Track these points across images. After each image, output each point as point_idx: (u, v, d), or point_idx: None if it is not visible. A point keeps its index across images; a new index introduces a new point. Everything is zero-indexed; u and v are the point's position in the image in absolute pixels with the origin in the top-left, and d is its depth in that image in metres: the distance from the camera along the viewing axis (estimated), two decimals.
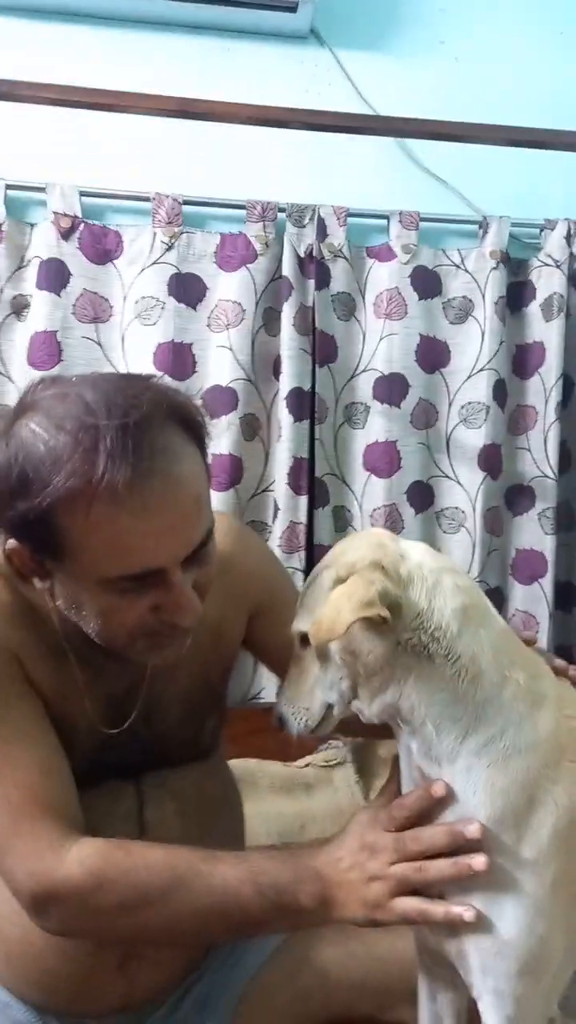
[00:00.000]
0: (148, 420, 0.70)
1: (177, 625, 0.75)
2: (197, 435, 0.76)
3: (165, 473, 0.70)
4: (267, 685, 1.76)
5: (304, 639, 0.74)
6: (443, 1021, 0.80)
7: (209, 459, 0.79)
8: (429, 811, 0.71)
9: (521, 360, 1.86)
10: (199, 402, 0.79)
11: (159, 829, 0.84)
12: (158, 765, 0.87)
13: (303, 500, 1.76)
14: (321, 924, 0.78)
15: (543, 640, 1.89)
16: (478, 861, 0.67)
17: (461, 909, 0.68)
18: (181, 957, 0.89)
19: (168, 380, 1.64)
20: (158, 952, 0.85)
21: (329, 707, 0.73)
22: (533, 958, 0.69)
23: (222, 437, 1.71)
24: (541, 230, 1.82)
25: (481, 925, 0.69)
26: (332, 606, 0.68)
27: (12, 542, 0.74)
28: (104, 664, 0.82)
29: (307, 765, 1.46)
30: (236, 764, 1.40)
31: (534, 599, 1.88)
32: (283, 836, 1.24)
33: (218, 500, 1.70)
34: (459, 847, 0.68)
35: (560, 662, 0.80)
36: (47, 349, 1.62)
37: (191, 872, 0.73)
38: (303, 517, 1.76)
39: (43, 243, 1.62)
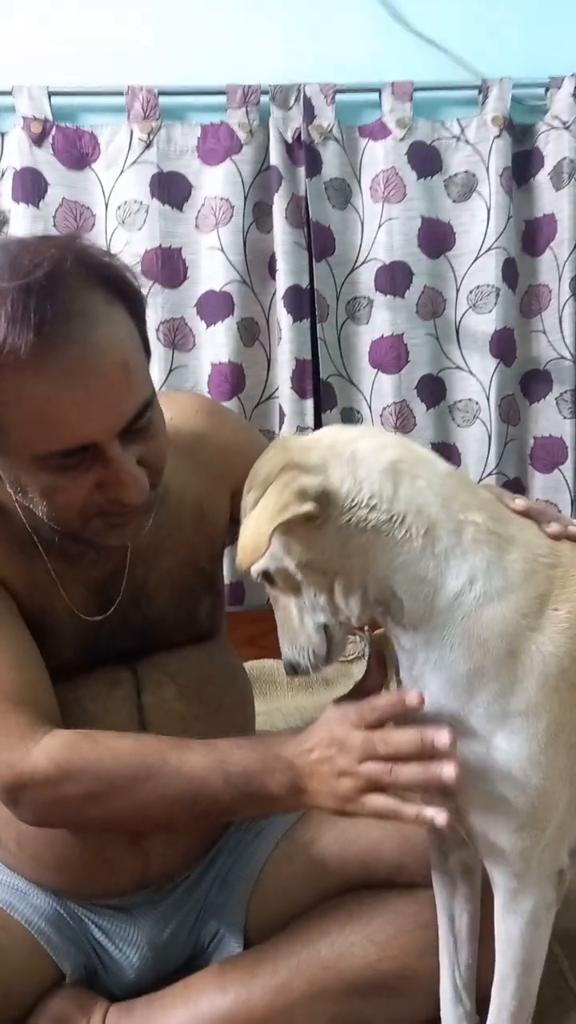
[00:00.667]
0: (57, 280, 0.65)
1: (127, 503, 0.72)
2: (125, 296, 0.70)
3: (80, 338, 0.65)
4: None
5: (266, 579, 0.70)
6: (456, 879, 0.80)
7: (148, 325, 0.74)
8: (401, 717, 0.69)
9: (531, 236, 1.74)
10: (130, 263, 0.74)
11: (159, 712, 0.84)
12: (154, 650, 0.87)
13: (309, 404, 1.70)
14: (293, 810, 0.78)
15: None
16: (448, 771, 0.64)
17: (433, 811, 0.66)
18: (196, 833, 0.90)
19: (155, 287, 1.60)
20: (165, 835, 0.86)
21: (325, 628, 0.70)
22: (532, 810, 0.67)
23: (220, 345, 1.65)
24: (546, 90, 1.67)
25: (475, 783, 0.67)
26: (251, 526, 0.64)
27: None
28: (82, 552, 0.81)
29: None
30: (254, 665, 1.41)
31: (555, 487, 1.82)
32: (303, 730, 1.25)
33: None
34: (430, 754, 0.66)
35: (520, 501, 0.73)
36: None
37: (159, 761, 0.73)
38: (310, 421, 1.71)
39: (15, 151, 1.54)
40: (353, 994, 0.79)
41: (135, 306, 0.72)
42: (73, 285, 0.66)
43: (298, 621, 0.70)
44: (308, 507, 0.63)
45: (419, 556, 0.66)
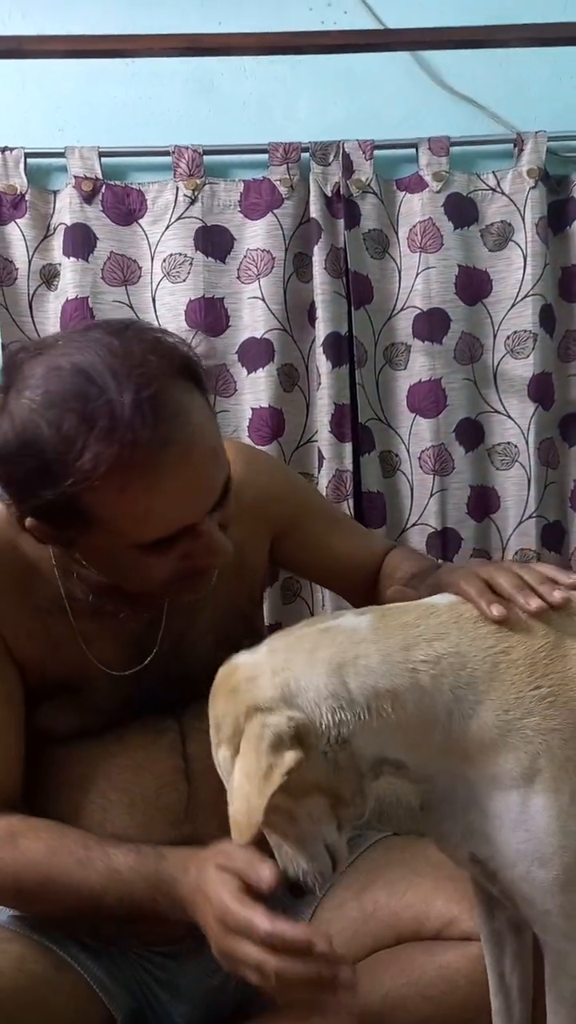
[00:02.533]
0: (157, 384, 0.68)
1: (208, 567, 0.76)
2: (199, 382, 0.74)
3: (182, 435, 0.69)
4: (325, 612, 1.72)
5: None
6: (505, 937, 0.75)
7: (228, 412, 0.79)
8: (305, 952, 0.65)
9: (567, 283, 1.72)
10: (191, 342, 0.77)
11: (203, 760, 0.81)
12: (197, 698, 0.84)
13: (348, 447, 1.68)
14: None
15: None
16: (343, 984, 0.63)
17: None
18: None
19: (199, 336, 1.62)
20: None
21: (329, 848, 0.66)
22: (572, 867, 0.63)
23: (261, 391, 1.66)
24: None
25: (509, 846, 0.64)
26: (238, 798, 0.62)
27: (31, 520, 0.73)
28: (117, 609, 0.81)
29: None
30: None
31: None
32: None
33: None
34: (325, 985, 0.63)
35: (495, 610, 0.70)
36: (80, 316, 1.59)
37: (62, 876, 0.75)
38: (349, 465, 1.69)
39: (67, 209, 1.57)
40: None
41: (204, 385, 0.76)
42: (170, 387, 0.70)
43: (297, 849, 0.66)
44: (292, 759, 0.60)
45: (398, 724, 0.64)
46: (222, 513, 0.76)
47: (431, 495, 1.73)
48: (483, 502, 1.77)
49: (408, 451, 1.74)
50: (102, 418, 0.65)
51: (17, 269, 1.59)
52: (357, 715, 0.63)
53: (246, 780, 0.61)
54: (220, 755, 0.67)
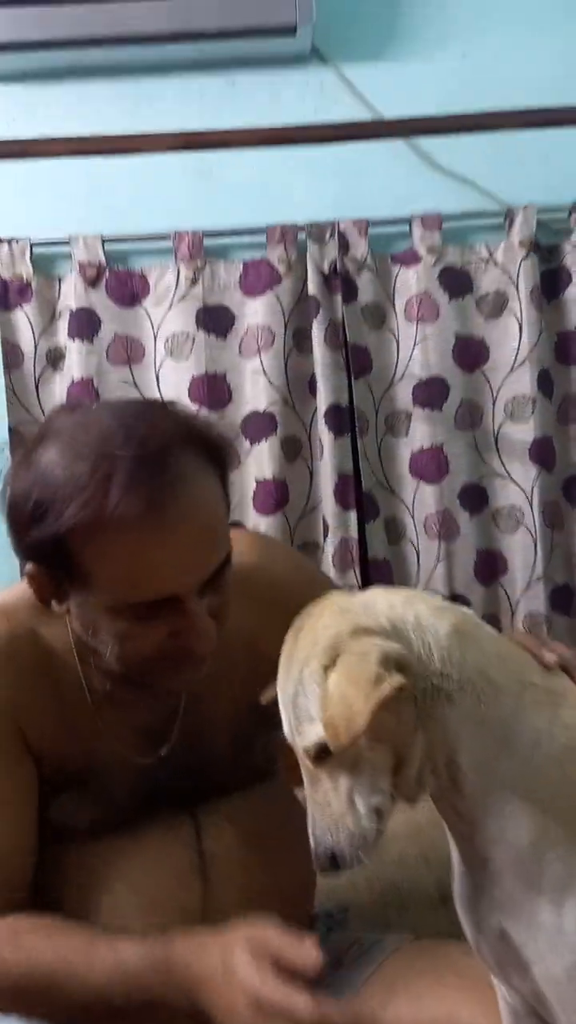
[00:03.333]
0: (165, 448, 0.68)
1: (194, 652, 0.73)
2: (218, 460, 0.74)
3: (179, 502, 0.68)
4: None
5: (318, 755, 0.62)
6: None
7: (231, 483, 0.77)
8: None
9: (564, 348, 1.73)
10: (226, 427, 0.77)
11: (220, 860, 0.80)
12: (211, 792, 0.83)
13: (352, 515, 1.68)
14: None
15: None
16: None
17: None
18: None
19: (202, 411, 1.63)
20: None
21: (378, 811, 0.61)
22: None
23: (264, 462, 1.66)
24: (570, 213, 1.69)
25: (551, 956, 0.60)
26: (338, 700, 0.59)
27: (30, 566, 0.74)
28: (136, 698, 0.79)
29: None
30: None
31: None
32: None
33: (266, 524, 1.65)
34: None
35: (550, 656, 0.69)
36: (85, 396, 1.61)
37: (66, 974, 0.71)
38: (354, 532, 1.68)
39: (71, 294, 1.61)
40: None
41: (225, 466, 0.75)
42: (176, 454, 0.70)
43: (346, 804, 0.62)
44: (400, 679, 0.58)
45: (484, 722, 0.62)
46: (215, 598, 0.73)
47: (438, 560, 1.72)
48: (490, 566, 1.75)
49: (413, 517, 1.73)
50: (103, 468, 0.67)
51: (23, 353, 1.62)
52: (460, 684, 0.61)
53: (350, 684, 0.58)
54: (306, 672, 0.63)
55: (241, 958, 0.65)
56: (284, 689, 0.67)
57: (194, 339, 1.63)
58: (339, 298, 1.66)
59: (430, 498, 1.71)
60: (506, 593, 1.76)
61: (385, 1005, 0.80)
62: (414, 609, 0.64)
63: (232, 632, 0.82)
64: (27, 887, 0.78)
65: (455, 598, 1.72)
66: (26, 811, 0.78)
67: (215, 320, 1.64)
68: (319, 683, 0.61)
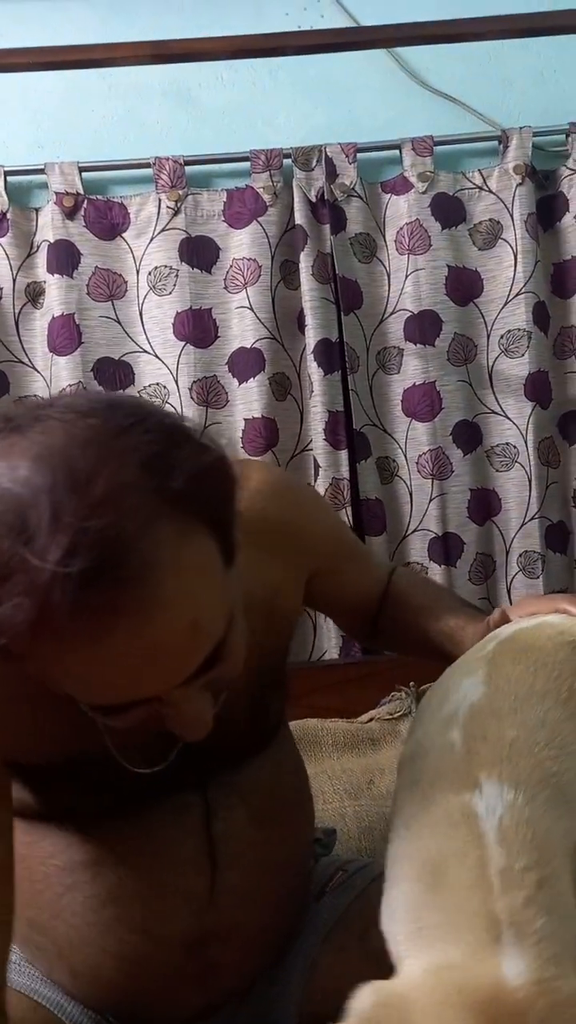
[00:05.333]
0: (106, 551, 0.46)
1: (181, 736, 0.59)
2: (206, 508, 0.52)
3: (137, 604, 0.48)
4: (328, 646, 1.64)
5: None
6: None
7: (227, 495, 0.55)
8: None
9: (560, 279, 1.65)
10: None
11: (230, 841, 0.71)
12: (225, 765, 0.73)
13: (344, 455, 1.61)
14: None
15: None
16: None
17: None
18: (263, 961, 0.77)
19: (187, 350, 1.53)
20: (240, 965, 0.74)
21: None
22: None
23: (253, 401, 1.59)
24: (567, 135, 1.60)
25: None
26: None
27: None
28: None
29: (371, 720, 1.34)
30: (298, 725, 1.29)
31: None
32: (351, 792, 1.12)
33: None
34: None
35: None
36: (66, 333, 1.53)
37: None
38: (345, 472, 1.62)
39: (49, 226, 1.52)
40: None
41: (220, 515, 0.54)
42: (131, 541, 0.47)
43: None
44: None
45: None
46: (215, 673, 0.56)
47: (431, 500, 1.66)
48: (484, 505, 1.69)
49: (405, 456, 1.66)
50: (20, 570, 0.46)
51: (1, 288, 1.54)
52: None
53: None
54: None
55: None
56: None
57: (178, 273, 1.55)
58: (327, 228, 1.56)
59: (423, 436, 1.64)
60: (500, 532, 1.70)
61: (363, 934, 0.75)
62: None
63: (250, 592, 0.68)
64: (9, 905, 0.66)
65: (448, 537, 1.67)
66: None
67: (199, 253, 1.55)
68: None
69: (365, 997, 0.46)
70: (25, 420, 0.50)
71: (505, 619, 0.67)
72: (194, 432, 0.53)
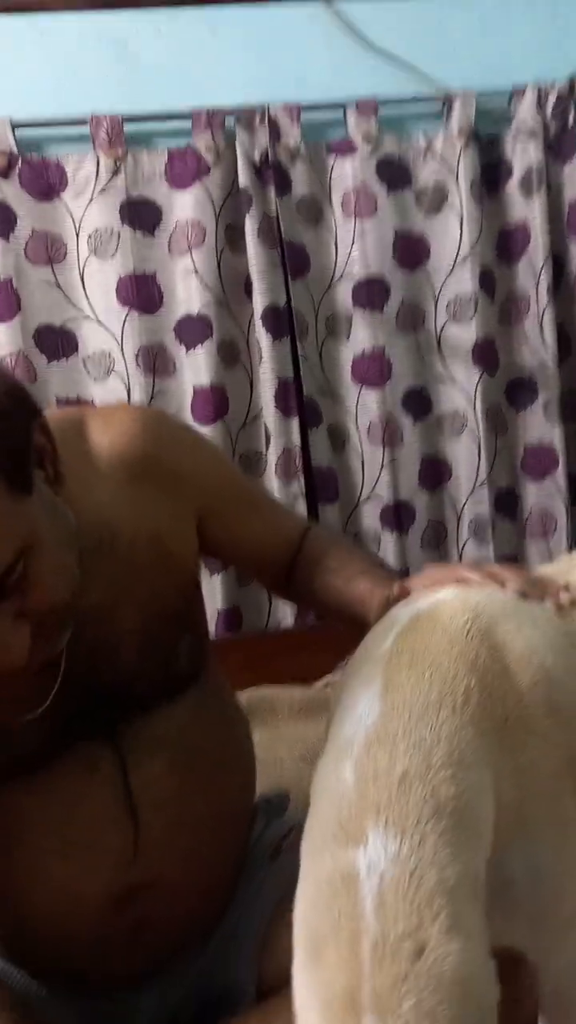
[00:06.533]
0: None
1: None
2: None
3: None
4: (284, 614, 1.61)
5: None
6: None
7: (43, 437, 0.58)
8: None
9: (505, 245, 1.64)
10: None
11: (149, 790, 0.67)
12: (132, 711, 0.69)
13: (295, 422, 1.58)
14: None
15: (561, 537, 1.71)
16: None
17: None
18: (199, 915, 0.73)
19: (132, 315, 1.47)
20: (172, 917, 0.70)
21: None
22: None
23: (201, 369, 1.53)
24: (510, 99, 1.58)
25: None
26: None
27: None
28: None
29: (327, 685, 1.31)
30: (252, 694, 1.26)
31: (548, 495, 1.70)
32: (307, 758, 1.09)
33: (206, 434, 1.53)
34: None
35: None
36: (3, 299, 1.45)
37: None
38: (297, 440, 1.58)
39: None
40: None
41: (12, 449, 0.54)
42: None
43: None
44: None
45: None
46: (24, 600, 0.56)
47: (382, 467, 1.63)
48: (435, 472, 1.68)
49: (356, 423, 1.64)
50: None
51: None
52: None
53: None
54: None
55: None
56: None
57: (119, 235, 1.48)
58: (272, 191, 1.52)
59: (373, 403, 1.61)
60: (451, 499, 1.69)
61: None
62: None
63: (131, 535, 0.69)
64: None
65: (400, 506, 1.65)
66: None
67: (141, 215, 1.49)
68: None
69: None
70: None
71: (404, 593, 0.64)
72: None
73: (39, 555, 0.56)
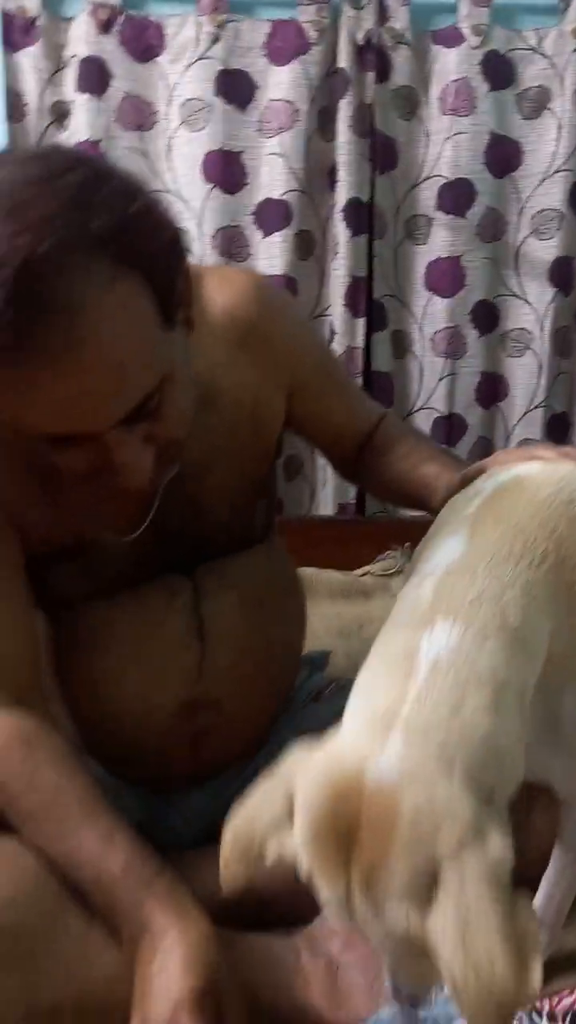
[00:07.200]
0: (39, 265, 0.49)
1: (122, 489, 0.60)
2: (140, 258, 0.54)
3: (60, 339, 0.51)
4: (326, 507, 1.66)
5: None
6: None
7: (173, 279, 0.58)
8: None
9: None
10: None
11: (218, 622, 0.76)
12: (210, 556, 0.77)
13: (360, 323, 1.58)
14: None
15: None
16: None
17: None
18: (251, 734, 0.83)
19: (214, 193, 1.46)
20: (229, 732, 0.79)
21: None
22: None
23: (275, 257, 1.53)
24: None
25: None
26: (477, 988, 0.39)
27: None
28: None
29: (365, 574, 1.37)
30: None
31: None
32: (342, 633, 1.17)
33: None
34: None
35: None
36: None
37: (59, 819, 0.63)
38: (360, 342, 1.59)
39: (81, 39, 1.41)
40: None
41: (156, 268, 0.55)
42: (57, 271, 0.50)
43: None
44: (533, 919, 0.41)
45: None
46: (153, 425, 0.59)
47: (440, 379, 1.64)
48: (492, 389, 1.68)
49: (421, 331, 1.64)
50: None
51: (27, 104, 1.45)
52: None
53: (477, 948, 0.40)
54: (387, 920, 0.43)
55: (189, 993, 0.56)
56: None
57: (211, 108, 1.46)
58: (371, 77, 1.47)
59: (441, 312, 1.61)
60: (504, 418, 1.70)
61: None
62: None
63: (234, 395, 0.74)
64: (36, 674, 0.72)
65: (452, 419, 1.66)
66: (15, 584, 0.70)
67: (235, 88, 1.46)
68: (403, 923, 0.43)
69: (282, 765, 0.49)
70: None
71: (480, 472, 0.67)
72: (149, 198, 0.56)
73: (173, 388, 0.59)
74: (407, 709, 0.46)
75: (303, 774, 0.47)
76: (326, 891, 0.45)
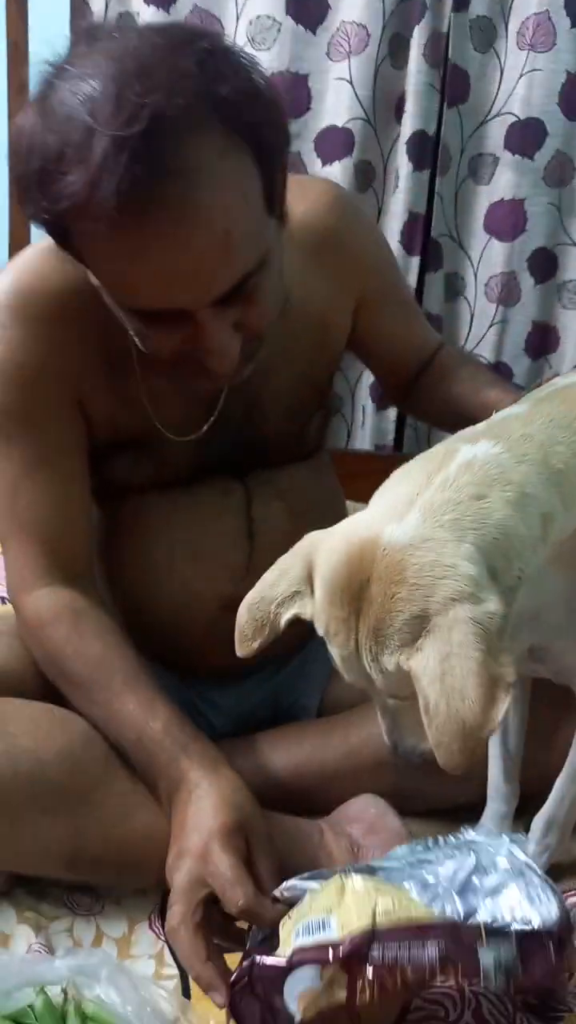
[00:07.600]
0: (160, 130, 0.51)
1: (209, 368, 0.63)
2: (254, 137, 0.56)
3: (173, 202, 0.53)
4: (364, 441, 1.66)
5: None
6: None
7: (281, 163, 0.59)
8: None
9: None
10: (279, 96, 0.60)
11: (266, 526, 0.79)
12: (263, 464, 0.81)
13: (415, 262, 1.55)
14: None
15: None
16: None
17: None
18: (288, 636, 0.86)
19: None
20: None
21: None
22: None
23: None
24: None
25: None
26: (446, 728, 0.44)
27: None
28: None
29: None
30: None
31: None
32: None
33: None
34: None
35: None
36: None
37: (104, 686, 0.69)
38: (414, 281, 1.57)
39: None
40: (415, 768, 0.76)
41: (267, 148, 0.57)
42: (180, 132, 0.52)
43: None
44: (509, 668, 0.44)
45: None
46: (244, 312, 0.60)
47: (491, 324, 1.61)
48: (542, 340, 1.65)
49: (476, 276, 1.60)
50: (79, 145, 0.52)
51: (94, 14, 1.42)
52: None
53: (462, 702, 0.44)
54: (382, 663, 0.48)
55: (220, 827, 0.61)
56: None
57: (280, 27, 1.42)
58: (449, 4, 1.42)
59: (498, 257, 1.57)
60: (552, 371, 1.67)
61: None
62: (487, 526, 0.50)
63: (303, 302, 0.75)
64: (88, 553, 0.76)
65: (499, 367, 1.64)
66: (82, 486, 0.75)
67: (306, 6, 1.42)
68: (394, 666, 0.48)
69: (301, 544, 0.54)
70: (105, 32, 0.58)
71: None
72: (266, 78, 0.58)
73: (268, 275, 0.62)
74: (430, 492, 0.49)
75: (324, 543, 0.51)
76: (338, 648, 0.50)
